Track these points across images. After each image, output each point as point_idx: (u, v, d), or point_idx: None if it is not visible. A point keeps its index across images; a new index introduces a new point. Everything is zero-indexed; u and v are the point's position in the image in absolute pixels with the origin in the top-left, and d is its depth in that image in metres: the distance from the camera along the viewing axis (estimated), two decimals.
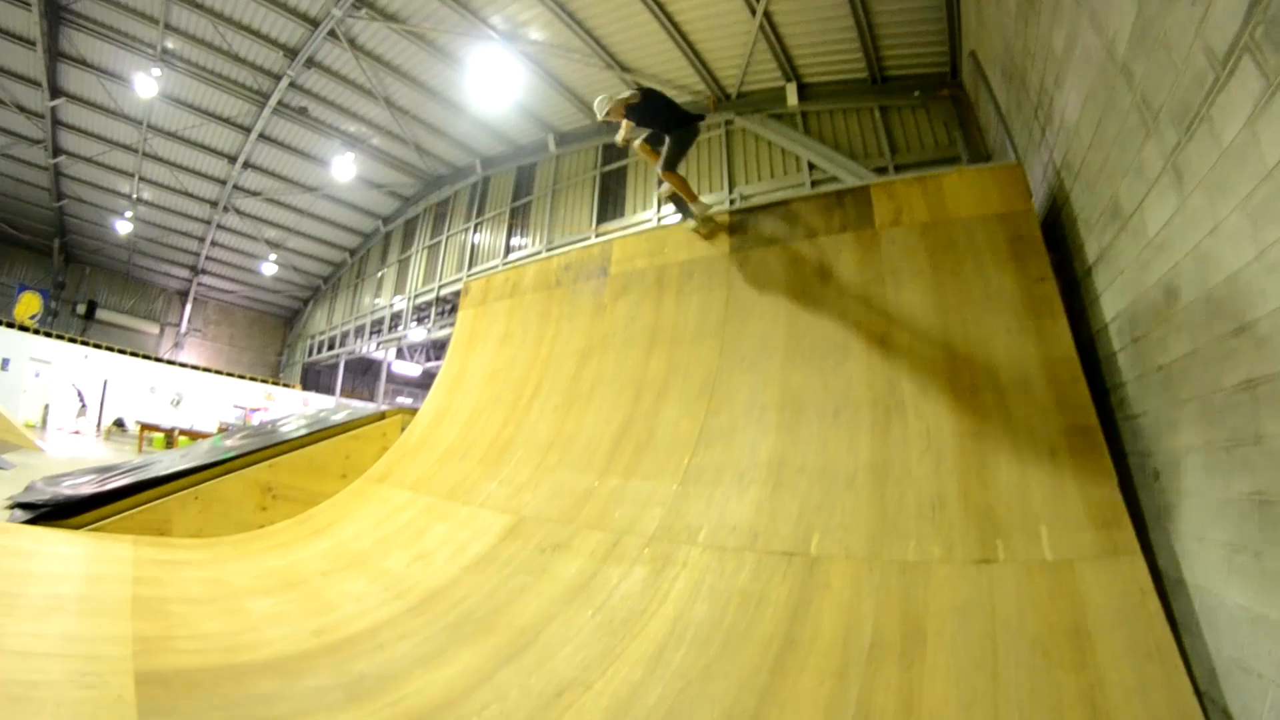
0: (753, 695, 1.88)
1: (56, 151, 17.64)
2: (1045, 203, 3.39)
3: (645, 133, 4.43)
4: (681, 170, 4.27)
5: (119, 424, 17.31)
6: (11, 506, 4.69)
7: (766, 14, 9.41)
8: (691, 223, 4.25)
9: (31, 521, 4.21)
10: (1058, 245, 3.12)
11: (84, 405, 16.76)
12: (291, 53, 13.55)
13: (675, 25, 10.31)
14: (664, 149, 4.22)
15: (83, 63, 14.33)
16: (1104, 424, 2.38)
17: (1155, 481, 2.14)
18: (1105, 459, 2.25)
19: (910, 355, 2.88)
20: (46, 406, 16.55)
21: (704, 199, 4.31)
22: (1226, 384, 1.70)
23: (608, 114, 4.23)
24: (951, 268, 3.08)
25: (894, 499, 2.42)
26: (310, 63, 13.79)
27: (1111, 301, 2.52)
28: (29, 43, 13.43)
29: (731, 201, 10.92)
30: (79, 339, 18.76)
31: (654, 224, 11.81)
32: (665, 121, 4.28)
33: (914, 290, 3.10)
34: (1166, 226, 1.97)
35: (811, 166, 10.39)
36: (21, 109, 15.78)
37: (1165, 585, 1.98)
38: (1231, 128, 1.58)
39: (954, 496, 2.34)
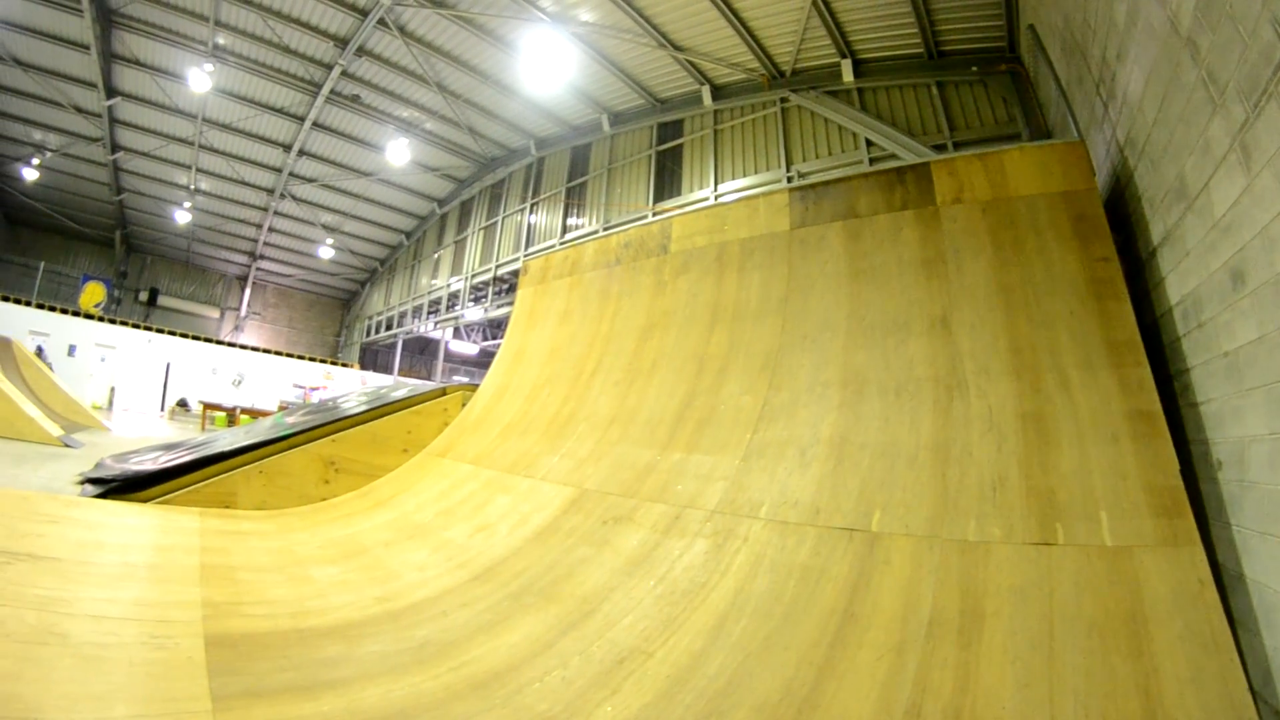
0: (812, 668, 1.90)
1: (115, 148, 18.39)
2: (1109, 181, 3.26)
3: None
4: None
5: (182, 404, 18.16)
6: (82, 482, 4.83)
7: None
8: None
9: (101, 496, 4.30)
10: (1121, 225, 3.01)
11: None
12: (342, 42, 13.84)
13: (726, 1, 10.16)
14: None
15: (136, 62, 14.89)
16: (1167, 410, 2.29)
17: (1218, 471, 2.07)
18: (1168, 446, 2.18)
19: (972, 334, 2.82)
20: (112, 389, 17.49)
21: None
22: None
23: None
24: (1013, 246, 2.99)
25: (955, 478, 2.39)
26: (361, 51, 14.07)
27: (1176, 284, 2.42)
28: (83, 47, 14.03)
29: (789, 179, 10.77)
30: (142, 324, 19.70)
31: (712, 201, 11.69)
32: None
33: (976, 269, 3.03)
34: (1234, 207, 1.88)
35: (869, 144, 10.18)
36: (79, 110, 16.49)
37: (1224, 579, 1.92)
38: None
39: (1015, 478, 2.30)
